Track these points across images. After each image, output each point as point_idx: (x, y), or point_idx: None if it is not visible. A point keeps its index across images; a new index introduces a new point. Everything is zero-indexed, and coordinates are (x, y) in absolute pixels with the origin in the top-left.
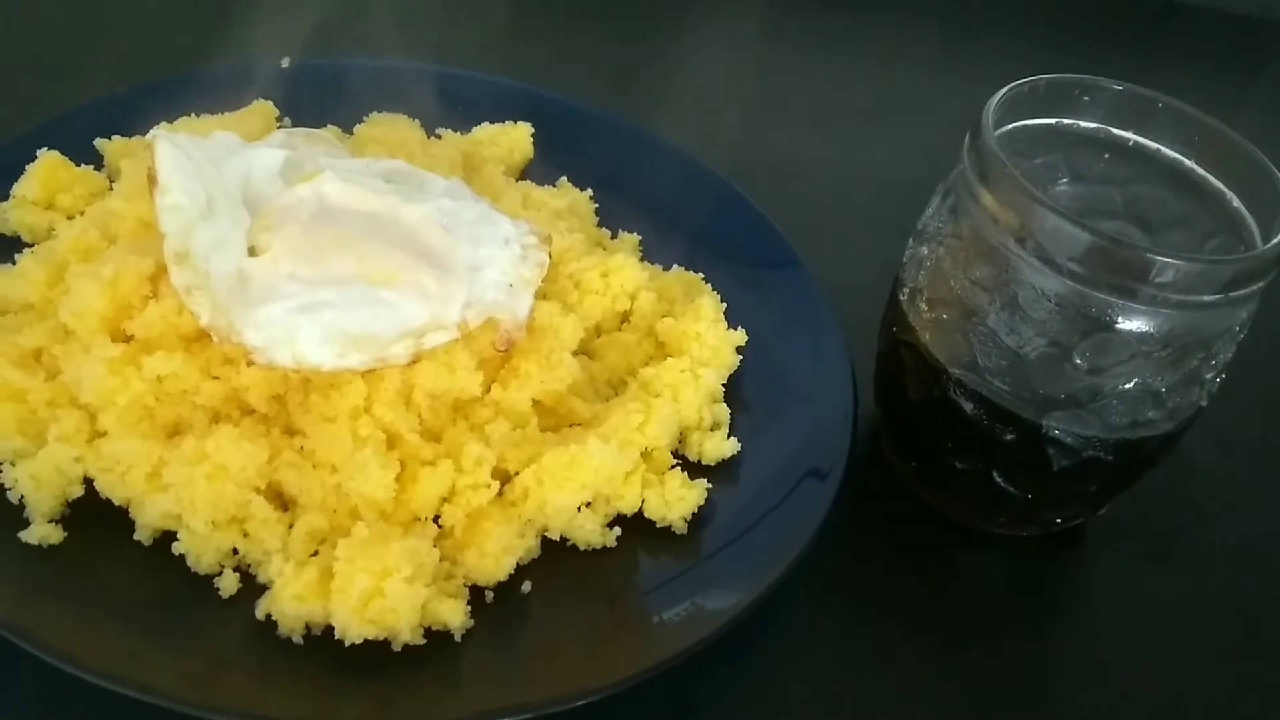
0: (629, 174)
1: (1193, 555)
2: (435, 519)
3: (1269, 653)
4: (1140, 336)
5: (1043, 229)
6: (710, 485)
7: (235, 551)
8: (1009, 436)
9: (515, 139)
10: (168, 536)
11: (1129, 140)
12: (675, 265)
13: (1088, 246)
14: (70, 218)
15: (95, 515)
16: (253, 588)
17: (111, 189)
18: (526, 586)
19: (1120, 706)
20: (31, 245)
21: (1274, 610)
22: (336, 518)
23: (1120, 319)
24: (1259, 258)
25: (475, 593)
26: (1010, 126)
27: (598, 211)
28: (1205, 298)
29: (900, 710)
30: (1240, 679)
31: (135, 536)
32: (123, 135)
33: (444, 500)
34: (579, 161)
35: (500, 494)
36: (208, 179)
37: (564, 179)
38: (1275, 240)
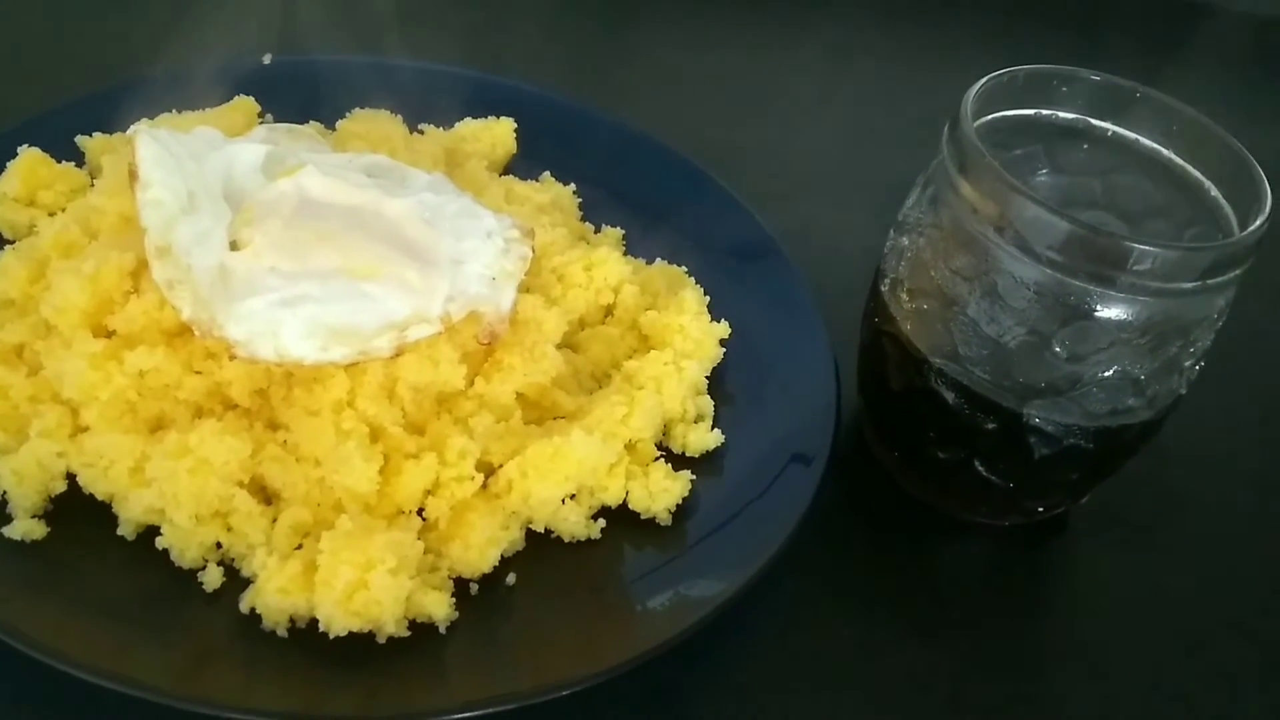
0: (612, 169)
1: (1174, 543)
2: (419, 512)
3: (1250, 638)
4: (1119, 324)
5: (1021, 218)
6: (694, 477)
7: (219, 546)
8: (990, 425)
9: (498, 134)
10: (151, 531)
11: (1108, 131)
12: (658, 259)
13: (1066, 235)
14: (51, 214)
15: (78, 510)
16: (237, 582)
17: (93, 185)
18: (511, 578)
19: (1102, 693)
20: (12, 242)
21: (1255, 595)
22: (320, 511)
23: (1099, 307)
24: (1236, 245)
25: (460, 585)
26: (989, 117)
27: (581, 206)
28: (1183, 285)
29: (883, 697)
30: (1221, 664)
31: (118, 531)
32: (104, 132)
33: (428, 493)
34: (562, 157)
35: (484, 486)
36: (189, 174)
37: (547, 174)
38: (1251, 228)
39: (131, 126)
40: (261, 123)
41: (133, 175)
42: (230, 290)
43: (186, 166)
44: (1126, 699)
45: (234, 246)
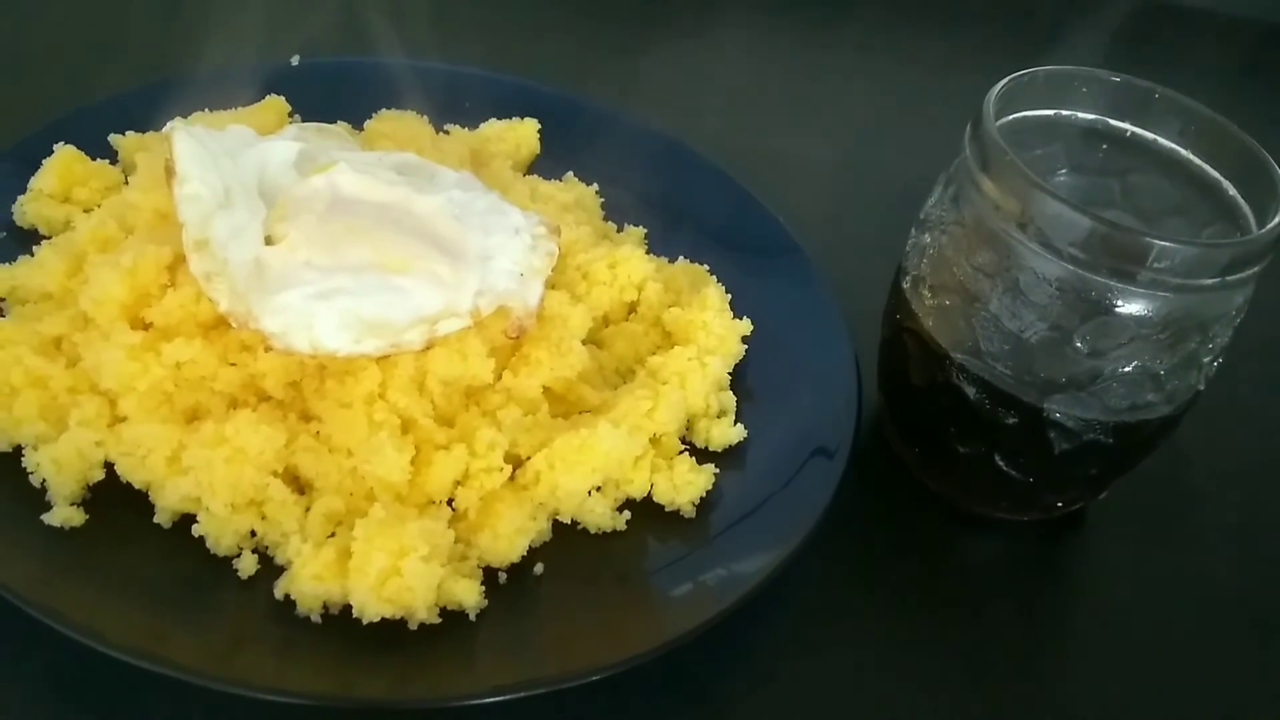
0: (634, 169)
1: (1191, 538)
2: (449, 502)
3: (1269, 634)
4: (1139, 320)
5: (1043, 215)
6: (718, 471)
7: (253, 534)
8: (1011, 420)
9: (522, 135)
10: (187, 519)
11: (1126, 131)
12: (681, 257)
13: (1088, 231)
14: (87, 211)
15: (116, 498)
16: (271, 569)
17: (126, 183)
18: (539, 568)
19: (1119, 686)
20: (49, 237)
21: (1270, 591)
22: (353, 500)
23: (1119, 302)
24: (1255, 242)
25: (489, 574)
26: (1010, 118)
27: (603, 206)
28: (1203, 281)
29: (904, 690)
30: (1238, 658)
31: (155, 519)
32: (136, 131)
33: (457, 484)
34: (585, 157)
35: (512, 478)
36: (224, 170)
37: (570, 174)
38: (1270, 225)
39: (167, 124)
40: (291, 122)
41: (170, 171)
42: (266, 284)
43: (222, 163)
44: (1143, 693)
45: (269, 241)
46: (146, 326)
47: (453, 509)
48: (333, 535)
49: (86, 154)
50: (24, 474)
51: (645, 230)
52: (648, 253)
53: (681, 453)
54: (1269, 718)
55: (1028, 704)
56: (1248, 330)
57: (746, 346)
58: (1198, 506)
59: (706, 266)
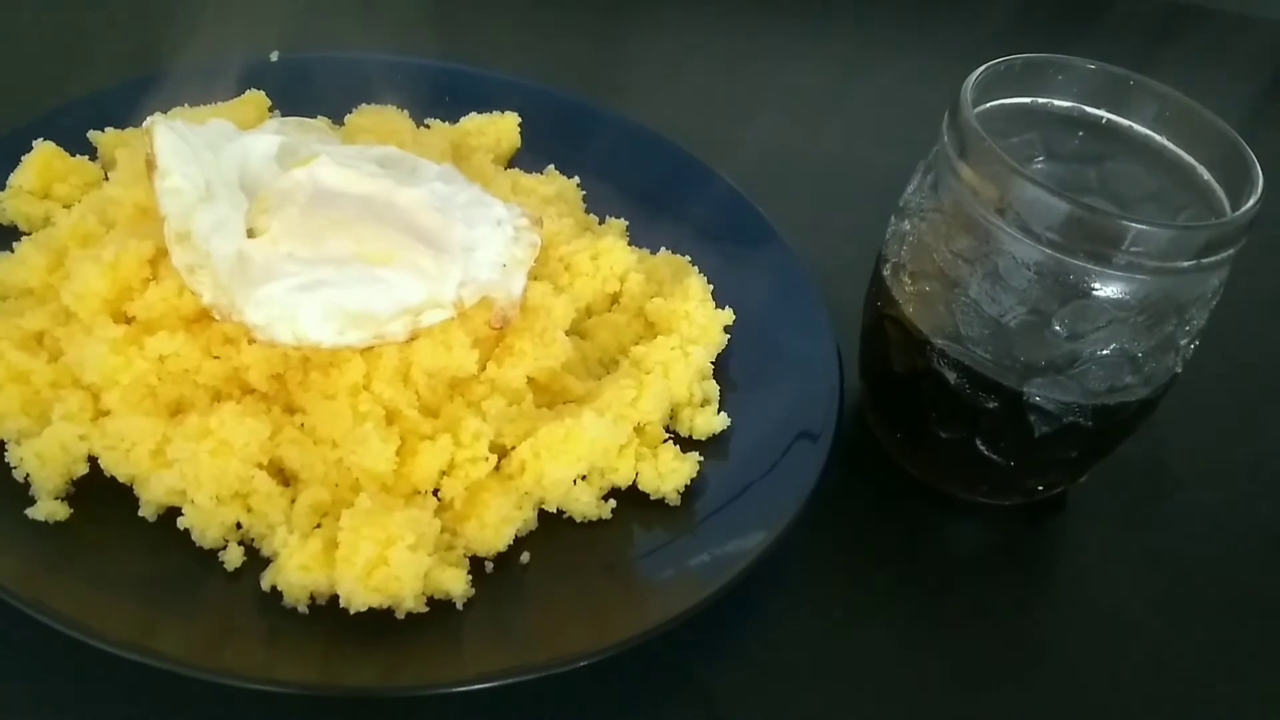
0: (614, 162)
1: (1169, 521)
2: (435, 492)
3: (1243, 610)
4: (1116, 302)
5: (1021, 200)
6: (701, 459)
7: (239, 526)
8: (991, 404)
9: (503, 129)
10: (172, 512)
11: (1102, 118)
12: (662, 248)
13: (1065, 216)
14: (66, 207)
15: (100, 492)
16: (257, 561)
17: (106, 179)
18: (525, 557)
19: (1101, 668)
20: (29, 233)
21: (1246, 569)
22: (338, 491)
23: (1097, 285)
24: (1229, 225)
25: (475, 563)
26: (987, 105)
27: (585, 198)
28: (1179, 264)
29: (888, 674)
30: (1219, 640)
31: (140, 513)
32: (116, 127)
33: (443, 474)
34: (565, 151)
35: (498, 468)
36: (205, 164)
37: (551, 167)
38: (1244, 208)
39: (147, 119)
40: (271, 117)
41: (150, 165)
42: (248, 276)
43: (203, 157)
44: (1125, 673)
45: (251, 234)
46: (129, 320)
47: (438, 499)
48: (319, 526)
49: (66, 150)
50: (7, 469)
51: (626, 222)
52: (629, 244)
53: (666, 441)
54: (1250, 697)
55: (1009, 687)
56: (1223, 313)
57: (729, 336)
58: (1176, 490)
59: (688, 257)
